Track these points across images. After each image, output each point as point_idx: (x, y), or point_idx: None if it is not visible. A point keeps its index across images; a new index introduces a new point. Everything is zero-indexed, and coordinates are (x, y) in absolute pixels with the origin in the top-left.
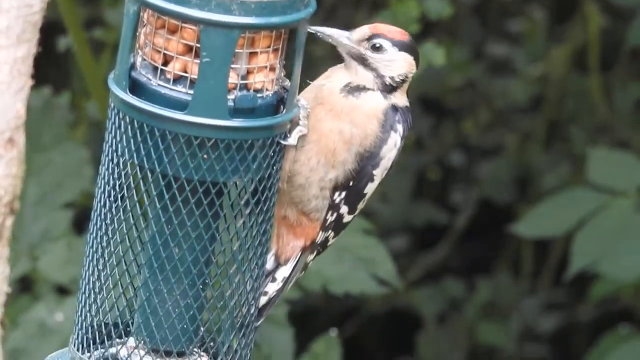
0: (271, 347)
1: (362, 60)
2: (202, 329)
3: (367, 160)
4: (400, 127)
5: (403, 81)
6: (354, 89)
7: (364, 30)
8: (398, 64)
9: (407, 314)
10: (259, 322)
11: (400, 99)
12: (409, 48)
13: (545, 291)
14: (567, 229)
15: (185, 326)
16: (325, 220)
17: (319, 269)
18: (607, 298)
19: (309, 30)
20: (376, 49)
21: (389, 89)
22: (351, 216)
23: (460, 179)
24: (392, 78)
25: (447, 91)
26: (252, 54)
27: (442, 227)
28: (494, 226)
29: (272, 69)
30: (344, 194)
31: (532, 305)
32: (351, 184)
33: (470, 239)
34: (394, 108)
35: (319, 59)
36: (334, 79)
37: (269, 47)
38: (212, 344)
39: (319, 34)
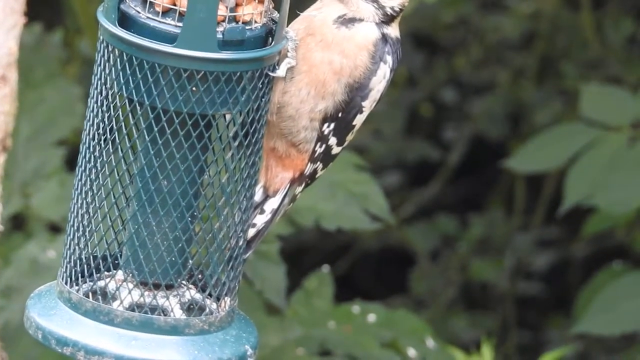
0: (263, 283)
1: None
2: (190, 261)
3: (356, 91)
4: (390, 59)
5: (400, 10)
6: (348, 21)
7: None
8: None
9: (400, 250)
10: (248, 255)
11: (394, 30)
12: None
13: (538, 228)
14: (560, 164)
15: (173, 259)
16: (314, 151)
17: (312, 204)
18: (600, 234)
19: None
20: None
21: (388, 19)
22: (340, 148)
23: (453, 116)
24: (392, 8)
25: (439, 27)
26: None
27: (434, 163)
28: (486, 163)
29: (261, 1)
30: (332, 125)
31: (526, 242)
32: (340, 115)
33: (463, 175)
34: (384, 40)
35: None
36: (326, 10)
37: None
38: (200, 276)
39: None
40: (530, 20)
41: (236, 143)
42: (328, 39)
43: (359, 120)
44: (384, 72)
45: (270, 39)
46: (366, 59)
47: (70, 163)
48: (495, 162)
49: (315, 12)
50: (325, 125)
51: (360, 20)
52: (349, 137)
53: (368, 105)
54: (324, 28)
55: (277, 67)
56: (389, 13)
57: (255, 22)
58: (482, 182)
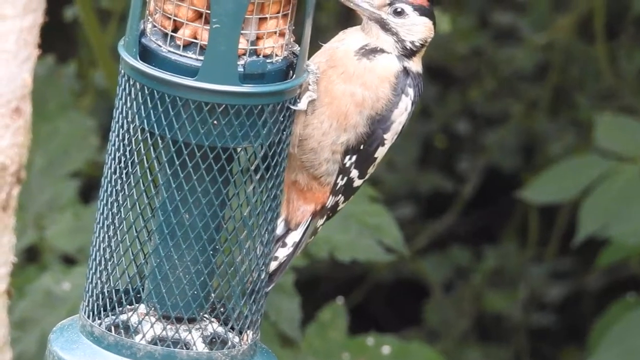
0: (278, 315)
1: (383, 25)
2: (212, 295)
3: (378, 123)
4: (411, 91)
5: (422, 46)
6: (369, 52)
7: None
8: (419, 28)
9: (414, 282)
10: (270, 288)
11: (416, 64)
12: (429, 13)
13: (552, 259)
14: (574, 195)
15: (196, 292)
16: (335, 184)
17: (326, 236)
18: (614, 266)
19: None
20: (398, 13)
21: (408, 53)
22: (361, 180)
23: (467, 147)
24: (412, 42)
25: (453, 59)
26: (262, 20)
27: (448, 195)
28: (500, 194)
29: (282, 34)
30: (354, 157)
31: (539, 273)
32: (362, 147)
33: (477, 207)
34: (406, 72)
35: (324, 27)
36: (348, 41)
37: (278, 12)
38: (222, 310)
39: (345, 4)
40: (543, 51)
41: (258, 176)
42: (350, 71)
43: (380, 152)
44: (405, 105)
45: (291, 72)
46: (388, 91)
47: (84, 195)
48: (509, 194)
49: (338, 44)
50: (347, 157)
51: (382, 51)
52: (371, 170)
53: (390, 137)
54: (345, 59)
55: (298, 100)
56: (408, 47)
57: (276, 55)
58: (496, 213)
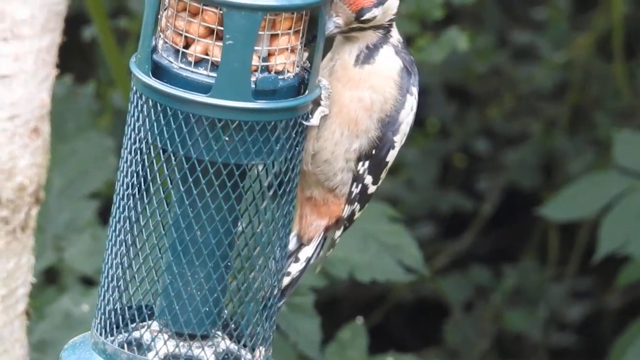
0: (298, 335)
1: (358, 29)
2: (225, 311)
3: (387, 126)
4: (415, 90)
5: (396, 13)
6: (365, 57)
7: (347, 14)
8: (390, 10)
9: (434, 301)
10: (282, 303)
11: (394, 32)
12: None
13: (572, 278)
14: (593, 212)
15: (208, 309)
16: (350, 193)
17: (346, 256)
18: (634, 285)
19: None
20: (368, 21)
21: (389, 28)
22: (375, 186)
23: (486, 166)
24: (389, 19)
25: (471, 78)
26: (273, 36)
27: (468, 214)
28: (520, 213)
29: (293, 50)
30: (367, 163)
31: (559, 293)
32: (374, 152)
33: (496, 226)
34: (407, 71)
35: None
36: (340, 54)
37: (290, 29)
38: (235, 326)
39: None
40: (562, 70)
41: (270, 192)
42: (355, 79)
43: (391, 156)
44: (411, 105)
45: (303, 88)
46: (394, 90)
47: (103, 216)
48: (529, 213)
49: (332, 63)
50: (360, 164)
51: (374, 48)
52: (383, 175)
53: (399, 140)
54: (347, 71)
55: (310, 116)
56: (387, 25)
57: (288, 71)
58: (516, 232)
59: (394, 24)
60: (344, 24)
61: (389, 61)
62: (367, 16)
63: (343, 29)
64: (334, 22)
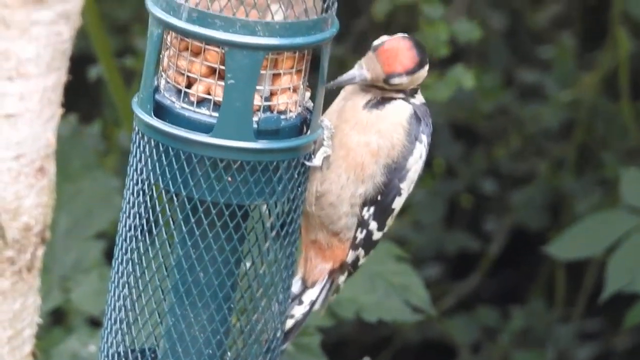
0: None
1: (381, 88)
2: (228, 353)
3: (394, 172)
4: (425, 138)
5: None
6: (377, 103)
7: (377, 73)
8: (417, 78)
9: (441, 343)
10: (285, 346)
11: (418, 98)
12: (422, 62)
13: (579, 319)
14: (600, 251)
15: (211, 351)
16: (355, 238)
17: (352, 296)
18: None
19: (326, 87)
20: (395, 84)
21: (413, 94)
22: (380, 233)
23: (493, 206)
24: (413, 89)
25: (478, 117)
26: (276, 76)
27: (475, 254)
28: (527, 253)
29: (295, 90)
30: (372, 209)
31: (567, 334)
32: (379, 198)
33: (504, 266)
34: (417, 117)
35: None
36: (353, 98)
37: (292, 68)
38: None
39: (335, 87)
40: (569, 109)
41: (273, 233)
42: (363, 122)
43: (397, 203)
44: (420, 152)
45: (306, 128)
46: (402, 137)
47: (110, 256)
48: (536, 253)
49: (343, 102)
50: (365, 209)
51: (388, 99)
52: (389, 222)
53: (406, 187)
54: (356, 113)
55: (313, 157)
56: (408, 92)
57: (290, 111)
58: (523, 273)
59: (419, 91)
60: (370, 80)
61: (399, 107)
62: (395, 81)
63: (368, 82)
64: (361, 75)
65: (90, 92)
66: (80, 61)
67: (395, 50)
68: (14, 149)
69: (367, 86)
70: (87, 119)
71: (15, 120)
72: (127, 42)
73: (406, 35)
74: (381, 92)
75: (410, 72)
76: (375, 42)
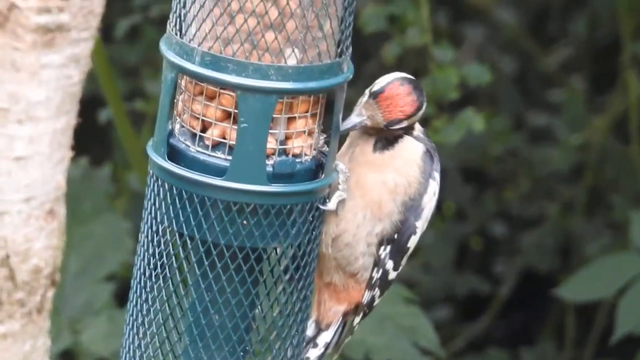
0: None
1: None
2: None
3: (410, 210)
4: (437, 175)
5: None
6: (386, 143)
7: (378, 120)
8: (414, 119)
9: None
10: None
11: (418, 128)
12: (420, 106)
13: None
14: (611, 293)
15: None
16: (371, 278)
17: (361, 338)
18: None
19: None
20: (394, 130)
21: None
22: (395, 273)
23: (503, 249)
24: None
25: (487, 160)
26: (291, 119)
27: (484, 297)
28: (537, 296)
29: (310, 133)
30: (389, 248)
31: None
32: (396, 237)
33: (514, 308)
34: (430, 155)
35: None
36: (360, 142)
37: (307, 112)
38: None
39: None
40: (579, 151)
41: (287, 276)
42: (377, 163)
43: (412, 242)
44: (433, 190)
45: (321, 171)
46: (417, 174)
47: (120, 298)
48: (546, 295)
49: (352, 148)
50: (382, 248)
51: (394, 138)
52: (404, 261)
53: (421, 225)
54: (367, 157)
55: (327, 200)
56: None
57: (305, 154)
58: (533, 315)
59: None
60: (370, 125)
61: (412, 145)
62: (395, 127)
63: (370, 126)
64: (360, 121)
65: (101, 135)
66: (90, 104)
67: (395, 97)
68: (24, 191)
69: (368, 129)
70: (97, 161)
71: (25, 163)
72: (136, 85)
73: (402, 75)
74: (382, 132)
75: (410, 117)
76: (374, 88)
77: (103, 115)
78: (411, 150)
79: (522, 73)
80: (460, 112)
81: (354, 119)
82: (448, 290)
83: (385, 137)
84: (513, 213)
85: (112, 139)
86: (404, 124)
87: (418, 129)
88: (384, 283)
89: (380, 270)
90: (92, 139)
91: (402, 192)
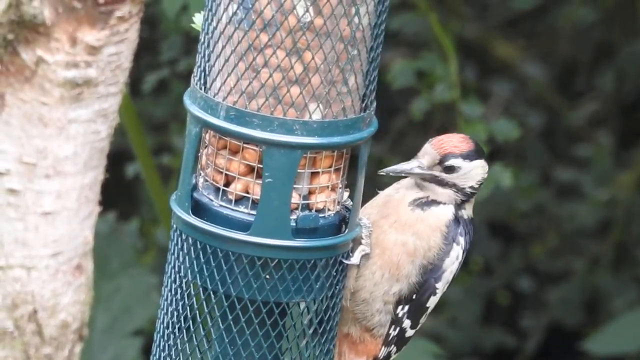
0: None
1: (439, 182)
2: None
3: (430, 273)
4: (462, 240)
5: (480, 185)
6: (424, 203)
7: (433, 156)
8: (475, 172)
9: None
10: None
11: (468, 209)
12: (479, 152)
13: None
14: (637, 347)
15: None
16: (387, 335)
17: None
18: None
19: (379, 173)
20: (450, 169)
21: (468, 198)
22: (413, 330)
23: (529, 304)
24: (471, 187)
25: (515, 216)
26: (314, 174)
27: (511, 351)
28: (563, 351)
29: (334, 188)
30: (406, 307)
31: None
32: (414, 297)
33: None
34: (457, 221)
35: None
36: (403, 191)
37: (330, 166)
38: None
39: (390, 173)
40: (605, 207)
41: (311, 331)
42: (402, 221)
43: (432, 302)
44: (456, 254)
45: (344, 226)
46: (439, 240)
47: (147, 353)
48: (572, 350)
49: (392, 192)
50: (400, 308)
51: (438, 203)
52: (422, 320)
53: (441, 287)
54: (399, 209)
55: (351, 255)
56: (468, 192)
57: (329, 209)
58: None
59: (472, 201)
60: (427, 165)
61: (440, 212)
62: (451, 162)
63: (426, 173)
64: (418, 162)
65: (128, 190)
66: (118, 158)
67: (450, 137)
68: (52, 246)
69: (425, 183)
70: (125, 216)
71: (53, 218)
72: (164, 140)
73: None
74: (437, 194)
75: (466, 157)
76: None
77: (130, 169)
78: (438, 216)
79: (549, 128)
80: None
81: (412, 163)
82: (475, 344)
83: (429, 198)
84: (540, 268)
85: (139, 193)
86: (460, 163)
87: (468, 211)
88: (401, 340)
89: (398, 329)
90: (119, 193)
91: (421, 256)
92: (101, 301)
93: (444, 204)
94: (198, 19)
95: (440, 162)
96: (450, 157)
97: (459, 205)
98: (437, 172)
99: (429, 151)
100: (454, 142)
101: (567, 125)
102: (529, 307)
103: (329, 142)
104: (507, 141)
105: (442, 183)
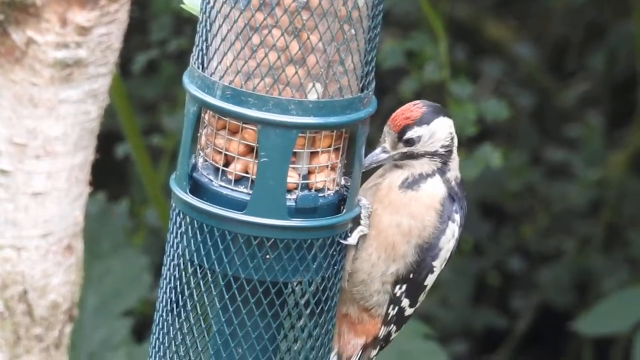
0: None
1: (410, 156)
2: None
3: (426, 251)
4: (457, 217)
5: (452, 140)
6: (413, 182)
7: (391, 135)
8: (438, 132)
9: None
10: None
11: (454, 169)
12: (434, 112)
13: None
14: (628, 327)
15: None
16: (387, 314)
17: None
18: None
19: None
20: (411, 141)
21: (446, 159)
22: (412, 309)
23: (520, 284)
24: (443, 146)
25: (505, 196)
26: (314, 154)
27: (502, 332)
28: (554, 331)
29: (333, 168)
30: (404, 287)
31: None
32: (411, 276)
33: (531, 344)
34: (451, 198)
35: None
36: (389, 176)
37: (330, 146)
38: None
39: (363, 169)
40: (596, 187)
41: (308, 311)
42: (396, 203)
43: (430, 280)
44: (452, 231)
45: (343, 206)
46: (434, 219)
47: (138, 333)
48: (563, 331)
49: (380, 179)
50: (397, 287)
51: (424, 177)
52: (421, 298)
53: (439, 264)
54: (390, 193)
55: (349, 235)
56: (443, 152)
57: (328, 189)
58: (550, 350)
59: (455, 159)
60: (390, 147)
61: (433, 190)
62: (409, 135)
63: (393, 154)
64: (381, 148)
65: (118, 170)
66: (108, 139)
67: (400, 110)
68: (42, 227)
69: (399, 162)
70: (115, 197)
71: (43, 199)
72: (154, 120)
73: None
74: (417, 166)
75: (420, 122)
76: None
77: (120, 150)
78: (431, 194)
79: (539, 108)
80: (478, 148)
81: (377, 151)
82: (465, 325)
83: (419, 173)
84: (530, 248)
85: (129, 174)
86: (420, 132)
87: (454, 173)
88: (400, 319)
89: (396, 307)
90: (109, 174)
91: (417, 235)
92: (91, 282)
93: (430, 175)
94: (188, 0)
95: (399, 138)
96: (406, 130)
97: (442, 171)
98: (402, 149)
99: (387, 132)
100: (405, 114)
101: (557, 106)
102: (520, 288)
103: (325, 122)
104: (496, 121)
105: (413, 156)
